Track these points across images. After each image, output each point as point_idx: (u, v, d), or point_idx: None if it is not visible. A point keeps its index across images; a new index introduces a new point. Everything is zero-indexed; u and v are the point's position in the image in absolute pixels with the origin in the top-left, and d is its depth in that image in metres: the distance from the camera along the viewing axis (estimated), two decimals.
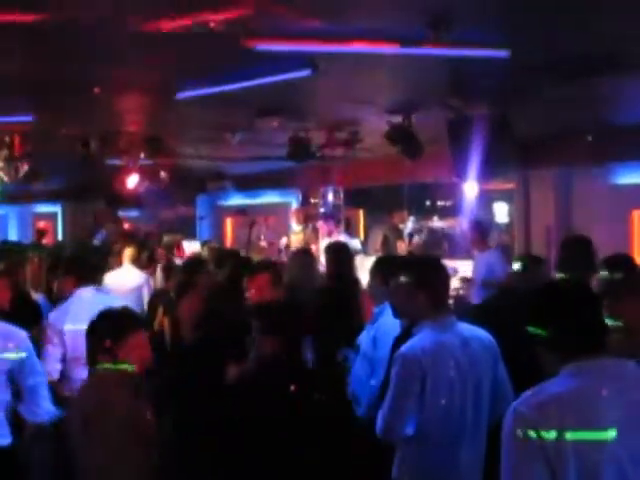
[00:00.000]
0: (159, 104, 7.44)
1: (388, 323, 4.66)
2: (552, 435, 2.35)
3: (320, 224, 11.88)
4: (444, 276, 4.17)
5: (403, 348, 3.94)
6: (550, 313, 2.67)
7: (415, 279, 4.13)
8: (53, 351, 5.46)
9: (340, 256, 7.04)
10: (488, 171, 8.42)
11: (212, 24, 4.64)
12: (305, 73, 6.00)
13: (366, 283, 5.62)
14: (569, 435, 2.35)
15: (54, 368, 5.41)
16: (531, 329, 2.68)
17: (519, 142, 8.72)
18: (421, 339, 3.94)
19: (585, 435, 2.35)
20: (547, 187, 10.55)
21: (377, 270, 5.16)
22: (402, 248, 10.63)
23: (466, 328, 4.08)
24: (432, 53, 5.35)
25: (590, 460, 2.33)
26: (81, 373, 5.18)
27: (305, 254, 7.10)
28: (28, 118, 8.01)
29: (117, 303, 5.03)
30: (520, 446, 2.40)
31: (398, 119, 8.25)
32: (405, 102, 7.80)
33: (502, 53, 5.45)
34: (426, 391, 3.81)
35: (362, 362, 4.90)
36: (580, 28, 5.19)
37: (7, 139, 9.13)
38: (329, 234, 11.33)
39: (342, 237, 10.80)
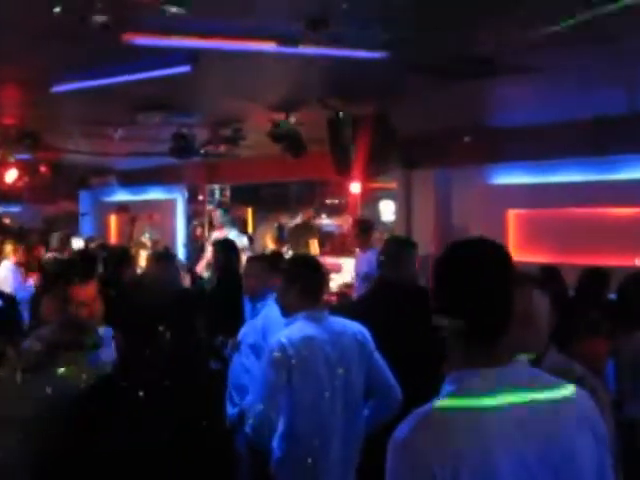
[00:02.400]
0: (35, 98, 7.22)
1: (275, 315, 4.72)
2: None
3: (215, 214, 11.70)
4: (315, 272, 4.25)
5: (272, 340, 4.00)
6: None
7: (287, 275, 4.23)
8: None
9: (227, 251, 7.14)
10: (370, 170, 8.55)
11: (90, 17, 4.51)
12: (184, 69, 5.95)
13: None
14: None
15: None
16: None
17: (401, 142, 8.89)
18: (291, 331, 4.00)
19: None
20: (428, 187, 10.79)
21: (266, 267, 5.25)
22: (314, 246, 10.62)
23: (338, 322, 4.16)
24: (309, 53, 5.40)
25: None
26: None
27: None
28: None
29: None
30: None
31: (281, 117, 8.27)
32: (287, 100, 7.82)
33: (380, 54, 5.54)
34: (293, 386, 3.88)
35: (246, 354, 4.95)
36: (458, 30, 5.31)
37: None
38: (219, 228, 11.26)
39: (232, 233, 10.78)
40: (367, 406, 4.22)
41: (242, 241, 10.96)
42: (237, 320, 5.99)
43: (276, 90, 7.46)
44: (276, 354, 3.89)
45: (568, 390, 2.08)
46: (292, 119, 8.23)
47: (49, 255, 10.13)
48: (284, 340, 3.93)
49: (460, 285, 2.07)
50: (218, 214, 11.26)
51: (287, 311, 4.21)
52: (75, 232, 15.09)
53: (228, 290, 6.58)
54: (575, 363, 3.15)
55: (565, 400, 2.05)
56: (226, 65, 6.31)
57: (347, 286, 10.35)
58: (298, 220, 13.71)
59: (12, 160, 10.31)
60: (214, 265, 7.26)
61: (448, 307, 2.08)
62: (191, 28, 5.21)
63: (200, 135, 9.33)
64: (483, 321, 2.05)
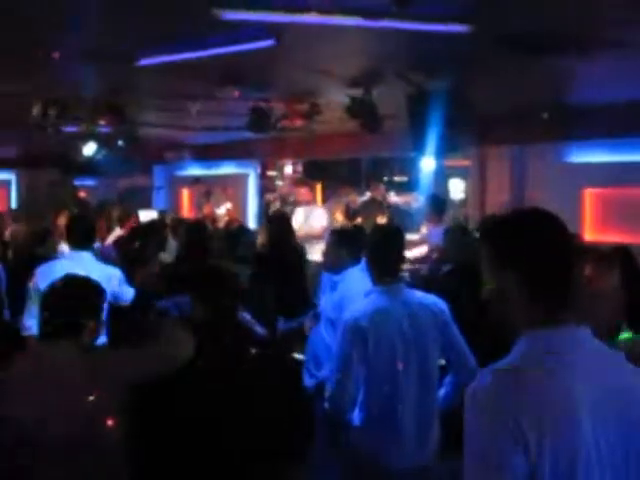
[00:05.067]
0: (119, 71, 7.36)
1: (352, 289, 4.80)
2: None
3: (304, 190, 11.86)
4: (393, 245, 4.30)
5: (346, 313, 4.09)
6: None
7: (367, 247, 4.32)
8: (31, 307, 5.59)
9: (283, 224, 7.28)
10: (446, 147, 8.52)
11: None
12: (268, 43, 6.01)
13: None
14: None
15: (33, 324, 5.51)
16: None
17: (477, 118, 8.84)
18: (365, 304, 4.08)
19: None
20: (503, 164, 10.70)
21: (345, 241, 5.33)
22: (382, 221, 10.66)
23: (414, 295, 4.21)
24: (394, 27, 5.40)
25: None
26: None
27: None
28: None
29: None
30: None
31: (358, 93, 8.30)
32: (366, 75, 7.83)
33: (463, 27, 5.52)
34: (368, 358, 3.95)
35: (326, 327, 5.04)
36: (542, 5, 5.26)
37: None
38: (307, 203, 11.41)
39: (317, 209, 11.00)
40: (445, 381, 4.27)
41: (324, 217, 11.10)
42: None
43: (355, 64, 7.48)
44: (351, 326, 3.98)
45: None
46: (369, 94, 8.24)
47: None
48: (359, 313, 4.02)
49: (527, 239, 2.12)
50: (303, 191, 11.44)
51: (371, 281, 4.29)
52: (148, 205, 15.40)
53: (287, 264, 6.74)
54: None
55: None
56: (308, 40, 6.35)
57: (417, 260, 10.35)
58: (367, 196, 13.74)
59: (97, 133, 10.49)
60: (268, 240, 7.34)
61: (511, 261, 2.11)
62: (277, 2, 5.27)
63: (276, 110, 9.40)
64: (547, 275, 2.09)
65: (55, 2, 5.29)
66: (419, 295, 4.25)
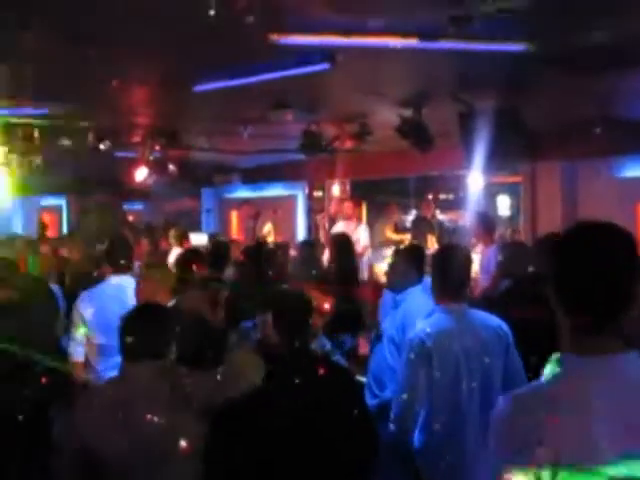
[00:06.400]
0: (176, 97, 7.52)
1: (413, 309, 4.80)
2: None
3: (347, 205, 11.94)
4: (458, 264, 4.30)
5: (411, 333, 4.10)
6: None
7: (432, 267, 4.33)
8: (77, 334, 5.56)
9: (345, 246, 7.29)
10: (497, 164, 8.54)
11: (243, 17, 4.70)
12: (324, 67, 6.09)
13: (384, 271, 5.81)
14: None
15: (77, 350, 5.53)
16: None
17: (528, 135, 8.83)
18: (430, 325, 4.09)
19: None
20: (554, 180, 10.65)
21: (411, 259, 5.35)
22: (432, 241, 10.65)
23: (477, 315, 4.20)
24: (451, 47, 5.45)
25: None
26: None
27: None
28: (44, 111, 8.09)
29: None
30: None
31: (408, 112, 8.35)
32: (416, 95, 7.88)
33: (519, 47, 5.55)
34: (432, 378, 3.95)
35: (389, 347, 5.04)
36: (593, 22, 5.28)
37: (21, 132, 9.17)
38: (348, 218, 11.45)
39: (361, 225, 11.04)
40: None
41: (366, 234, 11.14)
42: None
43: (407, 84, 7.55)
44: (417, 346, 3.98)
45: None
46: (419, 114, 8.29)
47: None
48: (424, 333, 4.01)
49: (567, 262, 1.97)
50: (347, 206, 11.49)
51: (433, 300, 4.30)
52: (195, 228, 15.55)
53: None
54: None
55: None
56: (361, 62, 6.43)
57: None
58: (414, 214, 13.75)
59: (150, 159, 10.67)
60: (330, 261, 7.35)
61: (555, 284, 1.98)
62: (333, 26, 5.35)
63: (327, 131, 9.48)
64: (587, 306, 1.92)
65: (117, 33, 5.45)
66: (483, 316, 4.23)
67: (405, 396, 4.01)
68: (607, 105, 8.81)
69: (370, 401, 5.13)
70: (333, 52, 5.99)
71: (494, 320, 4.21)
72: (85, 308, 5.54)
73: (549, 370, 1.95)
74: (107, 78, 6.77)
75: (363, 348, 7.08)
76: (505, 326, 4.18)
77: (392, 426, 4.09)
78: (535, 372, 4.09)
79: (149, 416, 3.25)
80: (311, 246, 6.87)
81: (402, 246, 7.14)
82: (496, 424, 1.95)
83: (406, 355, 4.05)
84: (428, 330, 4.03)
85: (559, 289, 1.96)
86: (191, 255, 6.58)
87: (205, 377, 3.53)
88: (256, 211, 13.39)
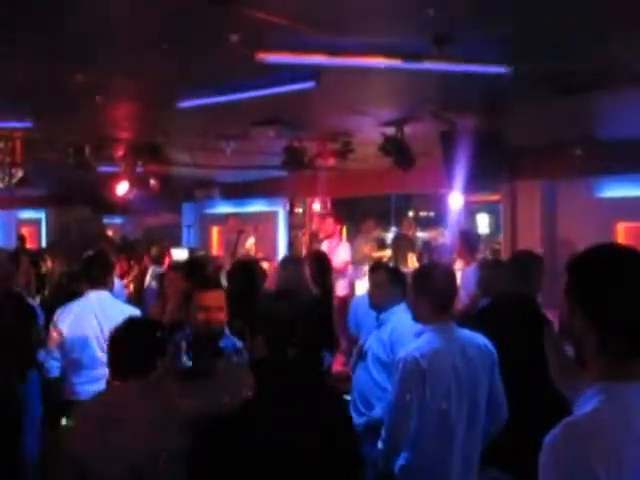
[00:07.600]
0: (160, 112, 7.52)
1: (401, 328, 4.80)
2: None
3: (328, 221, 11.92)
4: (445, 282, 4.31)
5: (402, 353, 4.09)
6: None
7: (417, 286, 4.32)
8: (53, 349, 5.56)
9: (324, 264, 7.26)
10: (477, 182, 8.60)
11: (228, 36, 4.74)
12: (309, 85, 6.12)
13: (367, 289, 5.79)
14: None
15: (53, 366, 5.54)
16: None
17: (508, 155, 8.92)
18: (423, 344, 4.08)
19: None
20: (534, 199, 10.74)
21: (395, 278, 5.36)
22: (412, 260, 10.67)
23: (465, 334, 4.22)
24: (434, 68, 5.50)
25: None
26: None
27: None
28: (28, 124, 8.07)
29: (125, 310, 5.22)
30: None
31: (391, 131, 8.41)
32: (399, 114, 7.95)
33: (501, 69, 5.61)
34: (423, 398, 3.96)
35: (375, 366, 5.03)
36: (570, 45, 5.36)
37: (3, 145, 9.13)
38: (330, 236, 11.46)
39: (342, 243, 11.05)
40: None
41: (346, 251, 11.15)
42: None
43: (389, 103, 7.60)
44: (410, 365, 3.97)
45: None
46: (402, 132, 8.36)
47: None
48: (416, 353, 4.00)
49: (614, 290, 1.92)
50: (328, 222, 11.48)
51: (417, 321, 4.30)
52: (176, 243, 15.49)
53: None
54: None
55: None
56: (345, 81, 6.47)
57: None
58: (395, 232, 13.75)
59: (134, 173, 10.63)
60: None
61: (594, 312, 1.94)
62: (319, 45, 5.39)
63: (309, 148, 9.51)
64: (619, 320, 1.91)
65: (101, 49, 5.46)
66: (469, 334, 4.24)
67: (398, 415, 4.01)
68: (587, 126, 8.91)
69: (357, 419, 5.11)
70: (318, 71, 6.03)
71: (480, 339, 4.22)
72: (62, 322, 5.54)
73: (595, 397, 1.91)
74: (91, 93, 6.76)
75: (338, 365, 7.10)
76: (490, 345, 4.20)
77: (381, 445, 4.09)
78: (514, 391, 4.17)
79: (135, 431, 3.24)
80: (296, 263, 6.81)
81: (379, 263, 7.15)
82: (553, 453, 1.87)
83: (399, 374, 4.03)
84: (422, 350, 4.01)
85: (603, 315, 1.93)
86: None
87: (192, 391, 3.52)
88: (240, 229, 13.38)
